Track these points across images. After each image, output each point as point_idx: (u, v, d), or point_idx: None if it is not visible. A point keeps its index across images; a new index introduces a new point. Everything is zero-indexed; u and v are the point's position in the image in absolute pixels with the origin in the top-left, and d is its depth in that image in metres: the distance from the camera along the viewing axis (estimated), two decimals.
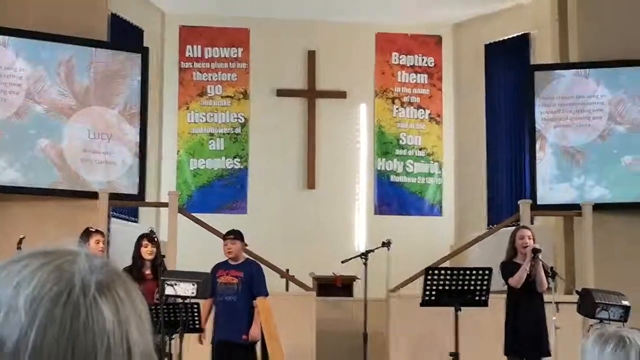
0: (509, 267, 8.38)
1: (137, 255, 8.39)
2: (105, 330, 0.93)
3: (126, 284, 0.99)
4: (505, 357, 8.30)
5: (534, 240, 8.42)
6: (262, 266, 9.10)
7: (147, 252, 8.33)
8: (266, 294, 8.52)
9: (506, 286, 8.47)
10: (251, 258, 9.09)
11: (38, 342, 0.91)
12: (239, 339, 8.32)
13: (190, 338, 8.05)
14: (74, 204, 10.35)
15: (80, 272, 0.95)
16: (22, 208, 10.20)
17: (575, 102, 11.23)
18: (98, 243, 8.11)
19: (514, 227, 9.27)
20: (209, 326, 8.36)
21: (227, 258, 8.65)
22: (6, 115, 10.35)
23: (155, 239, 8.30)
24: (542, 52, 12.34)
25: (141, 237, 8.45)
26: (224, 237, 8.78)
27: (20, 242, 7.84)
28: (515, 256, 8.45)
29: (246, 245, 8.89)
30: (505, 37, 13.01)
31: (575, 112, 11.23)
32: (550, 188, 11.16)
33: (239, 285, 8.48)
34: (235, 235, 8.69)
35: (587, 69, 11.22)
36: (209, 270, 8.41)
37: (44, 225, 9.73)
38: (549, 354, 8.22)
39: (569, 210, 10.98)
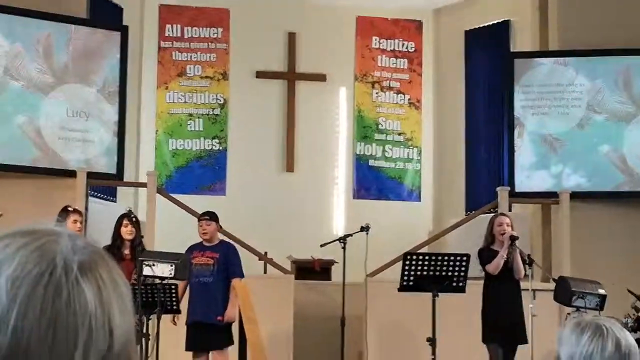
0: (486, 254, 8.42)
1: (116, 235, 8.36)
2: (87, 311, 0.92)
3: (109, 265, 0.98)
4: (484, 344, 8.33)
5: (512, 227, 8.46)
6: (239, 248, 9.10)
7: (127, 232, 8.31)
8: (242, 275, 8.53)
9: (483, 273, 8.51)
10: (226, 239, 9.09)
11: (19, 321, 0.89)
12: (213, 320, 8.32)
13: (166, 319, 8.03)
14: (52, 182, 10.30)
15: (62, 253, 0.94)
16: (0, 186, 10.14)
17: (554, 90, 11.27)
18: (75, 223, 8.07)
19: (492, 214, 9.31)
20: (183, 307, 8.34)
21: (201, 239, 8.64)
22: None
23: (135, 219, 8.28)
24: (522, 39, 12.36)
25: (122, 217, 8.43)
26: (199, 218, 8.78)
27: None
28: (493, 243, 8.48)
29: (221, 226, 8.89)
30: (486, 24, 13.02)
31: (554, 100, 11.27)
32: (528, 176, 11.21)
33: (215, 267, 8.48)
34: (210, 216, 8.68)
35: (567, 58, 11.26)
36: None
37: (21, 203, 9.67)
38: (526, 341, 8.26)
39: (547, 198, 11.04)
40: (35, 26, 10.55)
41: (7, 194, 9.94)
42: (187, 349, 8.46)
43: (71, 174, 10.30)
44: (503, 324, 8.20)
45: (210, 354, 8.46)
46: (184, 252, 8.36)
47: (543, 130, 11.25)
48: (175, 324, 8.21)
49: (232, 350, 8.46)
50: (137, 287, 7.44)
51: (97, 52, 10.87)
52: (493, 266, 8.29)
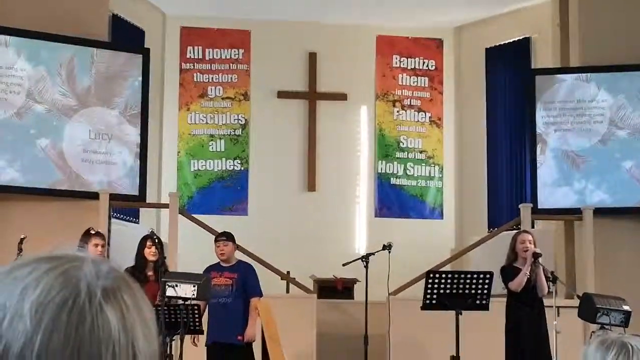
0: (509, 272, 8.38)
1: (140, 256, 8.36)
2: (111, 337, 0.92)
3: (132, 290, 0.98)
4: None
5: (534, 244, 8.42)
6: (261, 268, 9.10)
7: (151, 253, 8.31)
8: (261, 295, 8.53)
9: (506, 290, 8.47)
10: (244, 259, 9.09)
11: (43, 348, 0.90)
12: (234, 340, 8.32)
13: (186, 340, 8.02)
14: (75, 204, 10.34)
15: (86, 278, 0.95)
16: (23, 208, 10.20)
17: (576, 106, 11.23)
18: (97, 247, 8.06)
19: (514, 231, 9.27)
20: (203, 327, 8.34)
21: (219, 260, 8.66)
22: (7, 115, 10.35)
23: (157, 240, 8.29)
24: (543, 56, 12.34)
25: (145, 238, 8.43)
26: (216, 239, 8.80)
27: (21, 242, 7.83)
28: (515, 260, 8.44)
29: (238, 246, 8.91)
30: (506, 41, 13.02)
31: (576, 116, 11.23)
32: (551, 192, 11.16)
33: (233, 287, 8.49)
34: (227, 237, 8.71)
35: (588, 74, 11.22)
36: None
37: (44, 226, 9.72)
38: (550, 359, 8.20)
39: (570, 214, 10.98)
40: (58, 50, 10.63)
41: (30, 217, 9.99)
42: None
43: (94, 195, 10.34)
44: (526, 342, 8.15)
45: None
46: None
47: (565, 146, 11.21)
48: (195, 345, 8.20)
49: None
50: (160, 307, 7.45)
51: (119, 75, 10.94)
52: (516, 284, 8.25)
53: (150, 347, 0.96)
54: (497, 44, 13.11)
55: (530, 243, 8.39)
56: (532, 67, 12.39)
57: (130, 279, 1.00)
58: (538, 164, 11.23)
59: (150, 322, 0.98)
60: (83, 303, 0.92)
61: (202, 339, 8.35)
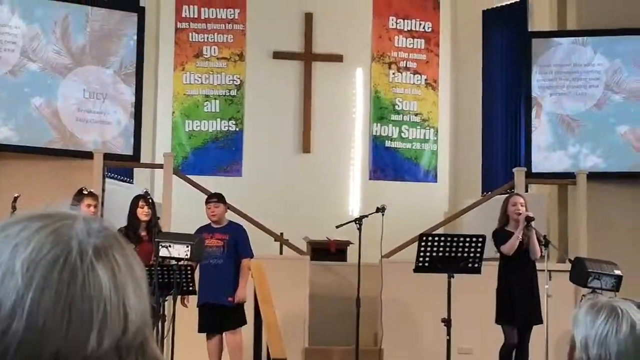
0: (501, 235, 8.41)
1: (132, 216, 8.35)
2: (102, 295, 0.93)
3: (124, 248, 0.98)
4: (498, 325, 8.34)
5: (526, 207, 8.44)
6: (254, 229, 9.12)
7: (143, 213, 8.30)
8: (251, 255, 8.56)
9: (498, 254, 8.50)
10: (234, 221, 9.10)
11: (34, 305, 0.90)
12: (225, 301, 8.35)
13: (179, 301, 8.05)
14: (69, 163, 10.34)
15: (77, 236, 0.95)
16: (17, 166, 10.19)
17: (572, 70, 11.22)
18: (89, 207, 8.03)
19: (506, 195, 9.29)
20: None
21: (209, 221, 8.67)
22: (1, 72, 10.30)
23: (151, 200, 8.28)
24: (540, 19, 12.28)
25: (137, 198, 8.40)
26: (207, 200, 8.80)
27: (15, 200, 7.84)
28: (507, 224, 8.47)
29: (228, 207, 8.92)
30: (503, 4, 12.96)
31: (572, 80, 11.22)
32: (545, 156, 11.18)
33: (225, 248, 8.51)
34: (218, 198, 8.72)
35: (585, 37, 11.19)
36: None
37: (38, 185, 9.72)
38: (541, 322, 8.26)
39: (564, 178, 11.00)
40: (53, 8, 10.57)
41: (24, 176, 9.98)
42: (200, 330, 8.50)
43: (88, 155, 10.33)
44: (518, 305, 8.20)
45: (224, 334, 8.50)
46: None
47: (560, 110, 11.21)
48: (186, 305, 8.21)
49: (246, 330, 8.49)
50: (153, 268, 7.47)
51: (114, 34, 10.89)
52: (508, 247, 8.28)
53: (142, 305, 0.97)
54: (494, 7, 13.05)
55: (522, 206, 8.41)
56: (529, 30, 12.34)
57: (122, 237, 1.00)
58: (533, 128, 11.23)
59: (141, 280, 0.98)
60: (74, 261, 0.93)
61: (194, 299, 8.37)
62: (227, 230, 8.60)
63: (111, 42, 10.86)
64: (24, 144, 10.31)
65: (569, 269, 8.75)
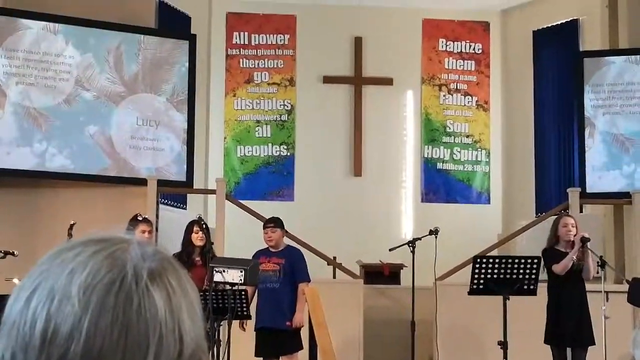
0: (551, 254, 8.32)
1: (187, 242, 8.41)
2: (158, 319, 0.93)
3: (178, 271, 0.99)
4: (546, 344, 8.24)
5: (576, 228, 8.34)
6: (307, 253, 9.10)
7: (198, 238, 8.35)
8: (308, 280, 8.55)
9: (546, 273, 8.40)
10: (292, 244, 9.10)
11: (92, 329, 0.91)
12: (282, 326, 8.34)
13: (235, 325, 8.06)
14: (123, 190, 10.44)
15: (132, 260, 0.95)
16: (72, 194, 10.31)
17: (625, 89, 11.11)
18: (144, 233, 8.10)
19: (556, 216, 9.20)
20: (252, 313, 8.38)
21: (267, 246, 8.68)
22: (56, 101, 10.46)
23: (205, 226, 8.32)
24: (592, 38, 12.19)
25: (192, 224, 8.47)
26: (264, 225, 8.79)
27: (71, 227, 7.92)
28: (557, 244, 8.38)
29: (287, 232, 8.91)
30: (554, 23, 12.87)
31: (625, 99, 11.10)
32: (600, 176, 11.05)
33: (281, 272, 8.50)
34: (275, 223, 8.71)
35: (638, 55, 11.07)
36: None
37: (93, 212, 9.83)
38: (593, 343, 8.14)
39: (619, 198, 10.87)
40: (106, 37, 10.72)
41: (79, 203, 10.11)
42: (257, 355, 8.50)
43: (142, 182, 10.42)
44: (566, 326, 8.09)
45: (281, 358, 8.49)
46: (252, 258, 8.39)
47: (614, 129, 11.09)
48: (243, 329, 8.24)
49: (302, 355, 8.48)
50: (208, 293, 7.49)
51: (166, 61, 11.01)
52: (561, 267, 8.18)
53: (196, 328, 0.97)
54: (545, 26, 12.97)
55: (573, 227, 8.32)
56: (581, 49, 12.25)
57: (175, 261, 1.01)
58: (586, 148, 11.12)
59: (195, 303, 0.99)
60: (130, 285, 0.93)
61: (251, 323, 8.39)
62: (284, 255, 8.60)
63: (163, 69, 10.98)
64: (78, 172, 10.44)
65: (627, 290, 8.62)
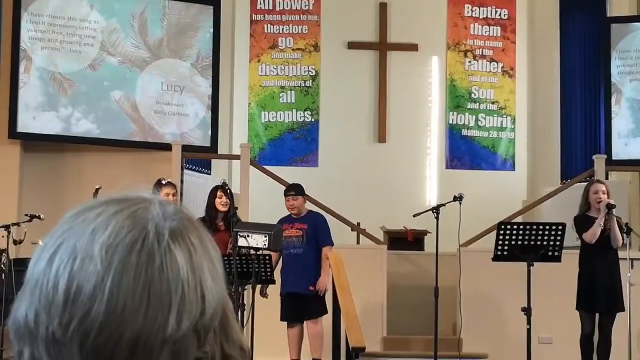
0: (583, 221, 8.29)
1: (210, 206, 8.43)
2: (180, 277, 0.93)
3: (199, 230, 0.99)
4: (577, 311, 8.23)
5: (608, 194, 8.30)
6: (331, 219, 9.12)
7: (221, 203, 8.37)
8: (332, 244, 8.57)
9: (579, 241, 8.38)
10: (313, 210, 9.12)
11: (114, 289, 0.91)
12: (306, 290, 8.39)
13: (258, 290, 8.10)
14: (148, 155, 10.49)
15: (153, 219, 0.95)
16: (97, 159, 10.38)
17: None
18: (168, 196, 8.12)
19: (587, 182, 9.15)
20: (276, 278, 8.42)
21: (289, 213, 8.71)
22: (81, 66, 10.50)
23: (229, 190, 8.34)
24: (619, 3, 12.06)
25: (215, 189, 8.49)
26: (285, 193, 8.82)
27: (96, 192, 7.97)
28: (588, 210, 8.34)
29: (308, 197, 8.92)
30: None
31: None
32: (626, 143, 10.99)
33: (304, 237, 8.54)
34: (296, 190, 8.74)
35: None
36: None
37: (118, 176, 9.89)
38: (622, 309, 8.14)
39: None
40: (130, 2, 10.72)
41: (104, 168, 10.16)
42: (282, 319, 8.55)
43: (167, 147, 10.46)
44: (599, 292, 8.09)
45: (305, 323, 8.54)
46: (277, 223, 8.42)
47: None
48: (266, 296, 8.25)
49: (326, 320, 8.52)
50: (232, 257, 7.53)
51: (191, 27, 11.00)
52: (590, 235, 8.16)
53: (218, 287, 0.97)
54: None
55: (603, 193, 8.27)
56: (608, 15, 12.12)
57: (197, 220, 1.01)
58: (613, 115, 11.05)
59: (217, 262, 0.99)
60: (152, 244, 0.93)
61: (275, 289, 8.43)
62: (307, 220, 8.63)
63: (188, 35, 10.98)
64: (104, 137, 10.48)
65: None
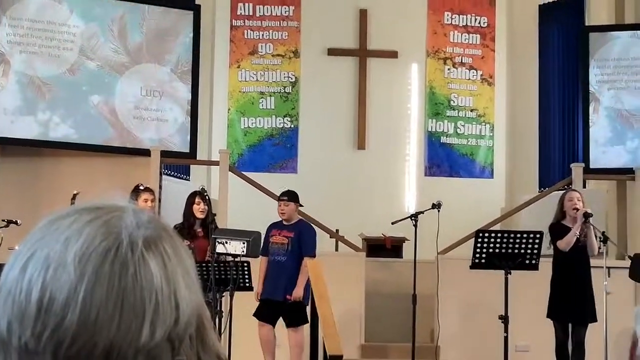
0: (557, 230, 8.31)
1: (188, 213, 8.40)
2: (153, 286, 0.93)
3: (173, 239, 0.98)
4: (548, 319, 8.25)
5: (583, 203, 8.33)
6: (313, 227, 9.11)
7: (199, 209, 8.34)
8: (313, 255, 8.53)
9: (552, 249, 8.41)
10: (304, 219, 9.11)
11: (87, 298, 0.91)
12: (280, 298, 8.39)
13: (242, 297, 8.08)
14: (127, 160, 10.44)
15: (127, 228, 0.95)
16: (75, 164, 10.32)
17: (631, 64, 11.07)
18: (146, 202, 8.10)
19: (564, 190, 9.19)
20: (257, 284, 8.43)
21: (281, 219, 8.70)
22: (60, 71, 10.45)
23: (207, 197, 8.32)
24: (597, 13, 12.12)
25: (193, 195, 8.45)
26: (278, 198, 8.82)
27: (74, 197, 7.93)
28: (563, 219, 8.37)
29: (300, 205, 8.91)
30: None
31: (630, 74, 11.07)
32: (603, 151, 11.04)
33: (289, 246, 8.54)
34: (289, 197, 8.72)
35: None
36: (259, 229, 8.43)
37: (96, 181, 9.84)
38: (594, 320, 8.14)
39: (622, 174, 10.85)
40: (110, 7, 10.69)
41: (83, 173, 10.11)
42: (255, 315, 8.54)
43: (145, 152, 10.43)
44: (570, 302, 8.10)
45: (287, 331, 8.53)
46: (255, 229, 8.40)
47: (619, 105, 11.06)
48: (258, 300, 8.40)
49: (307, 329, 8.51)
50: (210, 264, 7.51)
51: (170, 32, 10.97)
52: (564, 243, 8.18)
53: (192, 295, 0.97)
54: (551, 1, 12.91)
55: (578, 200, 8.30)
56: (586, 24, 12.19)
57: (171, 229, 1.00)
58: (591, 123, 11.10)
59: (191, 270, 0.98)
60: (125, 253, 0.93)
61: (249, 295, 8.42)
62: (294, 229, 8.62)
63: (167, 40, 10.95)
64: (82, 142, 10.44)
65: (628, 266, 8.62)
